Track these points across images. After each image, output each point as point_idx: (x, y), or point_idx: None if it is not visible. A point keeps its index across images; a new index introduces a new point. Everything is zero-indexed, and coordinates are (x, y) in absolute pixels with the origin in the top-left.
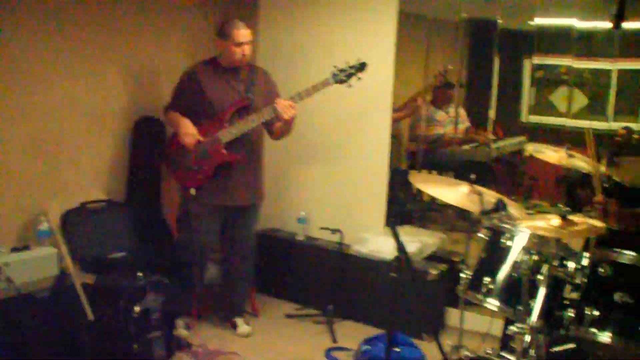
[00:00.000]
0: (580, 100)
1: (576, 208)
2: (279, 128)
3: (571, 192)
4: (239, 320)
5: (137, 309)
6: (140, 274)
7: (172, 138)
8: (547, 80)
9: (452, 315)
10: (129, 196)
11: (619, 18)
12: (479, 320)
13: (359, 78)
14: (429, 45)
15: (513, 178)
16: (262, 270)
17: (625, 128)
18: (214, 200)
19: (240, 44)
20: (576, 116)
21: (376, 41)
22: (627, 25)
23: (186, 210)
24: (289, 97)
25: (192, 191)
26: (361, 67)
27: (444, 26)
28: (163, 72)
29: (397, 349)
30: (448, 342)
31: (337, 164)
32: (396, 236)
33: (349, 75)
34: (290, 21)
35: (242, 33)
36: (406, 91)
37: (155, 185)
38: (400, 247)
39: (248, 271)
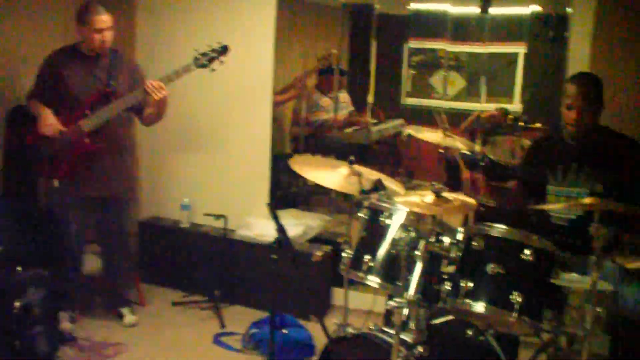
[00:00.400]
0: (458, 83)
1: (456, 186)
2: (150, 113)
3: (451, 171)
4: (124, 310)
5: (17, 304)
6: (19, 268)
7: (33, 128)
8: (426, 64)
9: (338, 295)
10: (4, 188)
11: (486, 3)
12: (363, 299)
13: (222, 62)
14: (310, 29)
15: (395, 159)
16: (147, 259)
17: (499, 108)
18: (80, 191)
19: (99, 30)
20: (454, 98)
21: (256, 25)
22: (496, 10)
23: (52, 202)
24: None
25: (55, 182)
26: (223, 50)
27: (324, 10)
28: (38, 58)
29: (284, 331)
30: (334, 321)
31: (219, 149)
32: (275, 217)
33: (211, 60)
34: (169, 6)
35: (102, 19)
36: (288, 75)
37: (31, 176)
38: (280, 228)
39: (128, 261)
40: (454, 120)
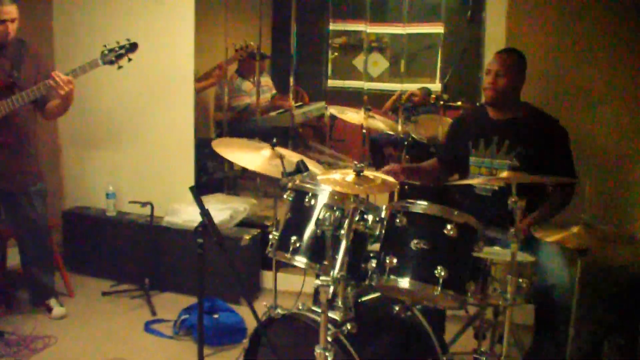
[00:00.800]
0: (381, 64)
1: (382, 166)
2: (54, 107)
3: (375, 150)
4: (52, 302)
5: None
6: None
7: None
8: (349, 46)
9: (268, 278)
10: None
11: None
12: (293, 280)
13: (130, 59)
14: (231, 12)
15: (320, 141)
16: (74, 249)
17: (422, 88)
18: None
19: (2, 22)
20: (378, 79)
21: (175, 10)
22: None
23: None
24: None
25: None
26: (131, 47)
27: None
28: None
29: (215, 315)
30: (264, 303)
31: (142, 137)
32: (199, 201)
33: (119, 56)
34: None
35: (6, 10)
36: (209, 60)
37: None
38: (204, 212)
39: (45, 253)
40: (378, 101)
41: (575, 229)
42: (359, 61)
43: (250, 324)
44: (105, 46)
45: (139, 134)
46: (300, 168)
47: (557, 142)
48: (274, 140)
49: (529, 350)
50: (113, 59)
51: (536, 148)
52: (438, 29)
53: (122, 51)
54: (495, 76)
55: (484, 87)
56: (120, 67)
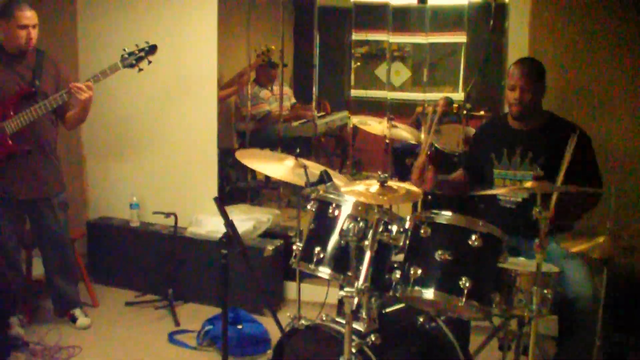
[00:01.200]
0: (403, 73)
1: (404, 176)
2: (73, 116)
3: (398, 161)
4: (77, 312)
5: None
6: None
7: None
8: (371, 55)
9: (291, 289)
10: None
11: None
12: (317, 291)
13: (150, 61)
14: (253, 23)
15: (342, 151)
16: (98, 259)
17: (445, 98)
18: (4, 194)
19: (24, 27)
20: (400, 88)
21: (199, 19)
22: (436, 1)
23: None
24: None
25: None
26: (151, 50)
27: (267, 4)
28: None
29: (239, 326)
30: (287, 314)
31: (166, 147)
32: (223, 212)
33: (139, 59)
34: (111, 2)
35: (27, 15)
36: (232, 69)
37: None
38: (228, 223)
39: (68, 262)
40: (401, 110)
41: (600, 239)
42: (381, 70)
43: (274, 335)
44: (124, 50)
45: (163, 145)
46: (324, 178)
47: (581, 149)
48: (297, 150)
49: None
50: (133, 62)
51: (560, 157)
52: (460, 38)
53: (142, 54)
54: (520, 92)
55: (509, 102)
56: (140, 70)
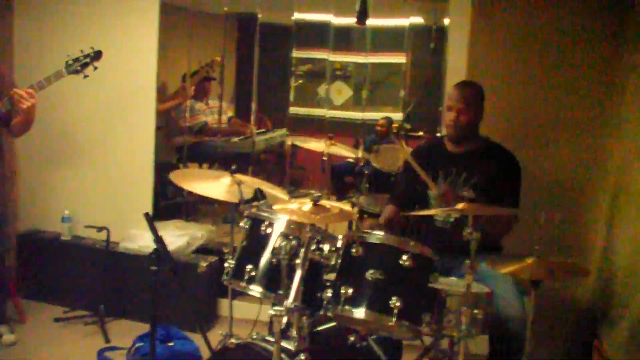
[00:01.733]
0: (345, 92)
1: (343, 194)
2: (18, 122)
3: (336, 179)
4: (2, 329)
5: None
6: None
7: None
8: (314, 73)
9: (225, 305)
10: None
11: (362, 15)
12: (250, 308)
13: (95, 67)
14: (195, 37)
15: (282, 168)
16: (27, 273)
17: (385, 118)
18: None
19: None
20: (342, 107)
21: (139, 32)
22: (377, 22)
23: None
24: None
25: None
26: (96, 55)
27: (209, 19)
28: None
29: (170, 343)
30: (220, 332)
31: (100, 160)
32: (153, 228)
33: (84, 65)
34: (49, 11)
35: None
36: (173, 82)
37: None
38: (158, 239)
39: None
40: (341, 129)
41: (529, 260)
42: (323, 89)
43: (206, 353)
44: (68, 55)
45: (97, 157)
46: (258, 196)
47: (510, 174)
48: (233, 167)
49: None
50: (78, 68)
51: (490, 180)
52: (401, 58)
53: (87, 60)
54: (457, 113)
55: (446, 123)
56: (86, 77)
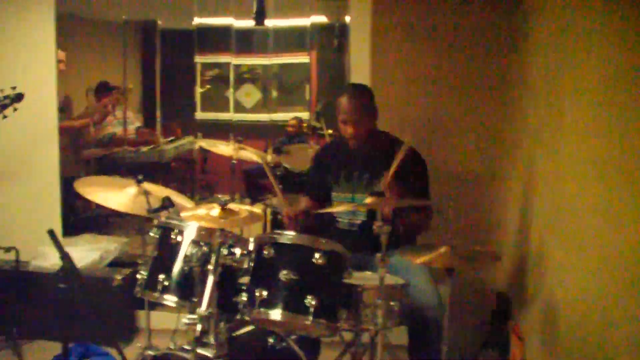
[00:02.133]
0: (254, 95)
1: (257, 197)
2: None
3: (250, 182)
4: None
5: None
6: None
7: None
8: (221, 78)
9: (143, 318)
10: None
11: (260, 15)
12: (170, 318)
13: (16, 109)
14: (95, 46)
15: (193, 175)
16: None
17: (296, 118)
18: None
19: None
20: (251, 110)
21: (36, 45)
22: (280, 22)
23: None
24: None
25: None
26: (17, 98)
27: (109, 27)
28: None
29: None
30: (138, 344)
31: (3, 178)
32: (57, 245)
33: (3, 107)
34: None
35: None
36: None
37: None
38: (63, 255)
39: None
40: (250, 132)
41: (442, 250)
42: (230, 93)
43: None
44: None
45: (0, 175)
46: (166, 204)
47: (415, 170)
48: (140, 177)
49: None
50: None
51: (396, 176)
52: (305, 58)
53: (7, 101)
54: (355, 126)
55: (346, 135)
56: (5, 117)
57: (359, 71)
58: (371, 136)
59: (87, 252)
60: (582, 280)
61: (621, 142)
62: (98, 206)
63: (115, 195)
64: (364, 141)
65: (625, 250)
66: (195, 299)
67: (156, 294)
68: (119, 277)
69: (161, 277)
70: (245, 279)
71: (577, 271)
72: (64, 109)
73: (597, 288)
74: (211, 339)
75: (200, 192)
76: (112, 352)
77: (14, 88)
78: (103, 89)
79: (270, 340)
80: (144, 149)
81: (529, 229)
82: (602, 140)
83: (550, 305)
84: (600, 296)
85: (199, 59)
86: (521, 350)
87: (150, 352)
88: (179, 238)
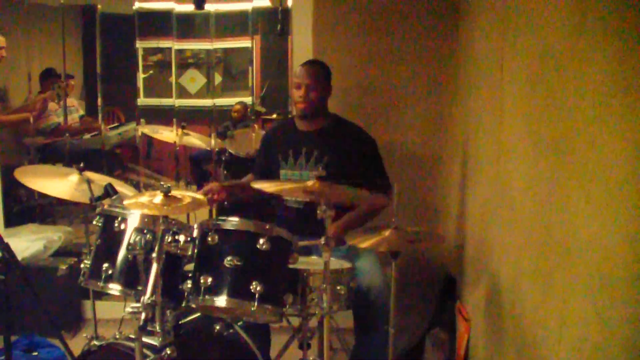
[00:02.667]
0: (199, 80)
1: (202, 183)
2: None
3: (195, 168)
4: None
5: None
6: None
7: None
8: (164, 63)
9: (89, 308)
10: None
11: (199, 0)
12: (116, 307)
13: None
14: (32, 33)
15: (138, 161)
16: None
17: (240, 103)
18: None
19: None
20: (196, 95)
21: None
22: (221, 6)
23: None
24: None
25: None
26: None
27: (47, 12)
28: None
29: (34, 353)
30: (84, 335)
31: None
32: None
33: None
34: None
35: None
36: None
37: None
38: (2, 245)
39: None
40: (194, 117)
41: (386, 233)
42: (174, 78)
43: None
44: None
45: None
46: (109, 192)
47: (365, 149)
48: (81, 164)
49: (352, 353)
50: None
51: (344, 157)
52: (247, 42)
53: None
54: (306, 90)
55: (295, 100)
56: None
57: (302, 54)
58: (320, 114)
59: (31, 242)
60: (522, 259)
61: (558, 121)
62: (41, 196)
63: (57, 183)
64: (311, 113)
65: (563, 226)
66: (140, 287)
67: (100, 283)
68: (63, 266)
69: (105, 265)
70: (189, 266)
71: (518, 249)
72: (2, 98)
73: (534, 266)
74: (157, 327)
75: (146, 178)
76: (57, 343)
77: None
78: (48, 76)
79: (217, 327)
80: (87, 136)
81: (471, 210)
82: (539, 120)
83: (493, 286)
84: (537, 274)
85: (140, 44)
86: (467, 331)
87: (96, 342)
88: (122, 226)
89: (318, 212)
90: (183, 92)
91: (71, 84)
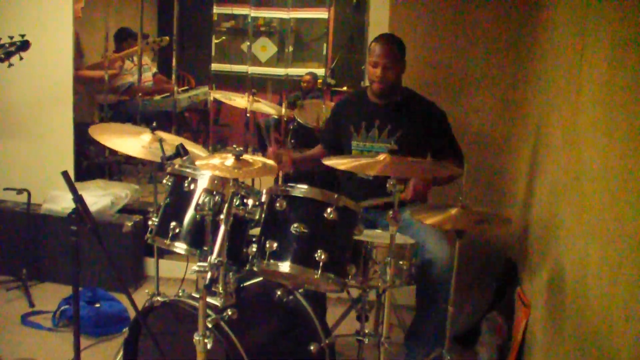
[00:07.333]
0: (270, 48)
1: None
2: None
3: (262, 135)
4: None
5: None
6: None
7: None
8: (238, 30)
9: (152, 265)
10: None
11: None
12: (178, 266)
13: (22, 57)
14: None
15: (207, 126)
16: None
17: (310, 73)
18: None
19: None
20: (266, 64)
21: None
22: None
23: None
24: None
25: None
26: (22, 45)
27: None
28: None
29: (97, 305)
30: (146, 291)
31: (17, 120)
32: (71, 186)
33: (9, 54)
34: None
35: None
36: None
37: None
38: (77, 198)
39: None
40: (265, 85)
41: (453, 211)
42: (246, 45)
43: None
44: None
45: (14, 118)
46: (180, 152)
47: (438, 124)
48: (154, 124)
49: (410, 328)
50: (2, 56)
51: (418, 131)
52: (323, 14)
53: (13, 49)
54: (383, 70)
55: (371, 79)
56: (11, 65)
57: (378, 29)
58: (396, 89)
59: (99, 197)
60: (589, 248)
61: (638, 111)
62: (111, 153)
63: (130, 141)
64: (388, 91)
65: (635, 218)
66: (205, 248)
67: (167, 241)
68: (129, 223)
69: (172, 224)
70: (255, 231)
71: (585, 238)
72: (81, 54)
73: (602, 257)
74: (220, 288)
75: (213, 143)
76: (119, 297)
77: (22, 36)
78: (124, 35)
79: (278, 292)
80: (158, 97)
81: (539, 195)
82: (618, 109)
83: (556, 272)
84: (604, 265)
85: (217, 10)
86: (525, 316)
87: (159, 299)
88: (192, 186)
89: (388, 185)
90: (254, 60)
91: (165, 39)
